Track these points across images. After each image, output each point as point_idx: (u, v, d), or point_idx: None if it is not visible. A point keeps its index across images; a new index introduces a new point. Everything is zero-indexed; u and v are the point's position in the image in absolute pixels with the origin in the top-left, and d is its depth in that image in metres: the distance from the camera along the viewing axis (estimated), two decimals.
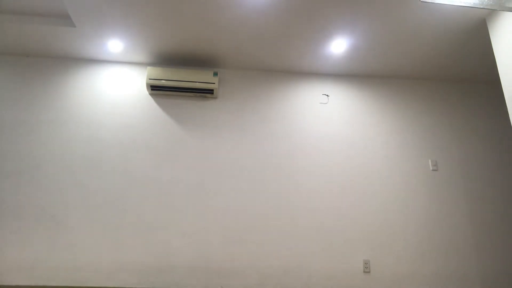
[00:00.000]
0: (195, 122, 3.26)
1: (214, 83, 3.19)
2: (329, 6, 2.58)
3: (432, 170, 3.30)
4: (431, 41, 2.96)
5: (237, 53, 3.22)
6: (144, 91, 3.31)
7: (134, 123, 3.20)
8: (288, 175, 3.17)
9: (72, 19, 2.77)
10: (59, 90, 3.24)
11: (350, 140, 3.34)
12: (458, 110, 3.55)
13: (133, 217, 2.92)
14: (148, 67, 3.17)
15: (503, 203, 3.24)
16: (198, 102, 3.34)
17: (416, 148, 3.36)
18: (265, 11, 2.64)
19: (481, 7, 2.03)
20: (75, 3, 2.59)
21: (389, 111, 3.49)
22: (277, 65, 3.41)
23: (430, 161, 3.32)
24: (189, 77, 3.19)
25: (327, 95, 3.50)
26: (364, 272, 2.94)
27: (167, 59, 3.34)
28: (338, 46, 3.06)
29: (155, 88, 3.21)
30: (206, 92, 3.26)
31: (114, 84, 3.31)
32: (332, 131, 3.35)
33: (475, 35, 2.88)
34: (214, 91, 3.25)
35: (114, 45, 3.11)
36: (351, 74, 3.57)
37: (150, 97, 3.30)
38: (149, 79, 3.14)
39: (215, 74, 3.22)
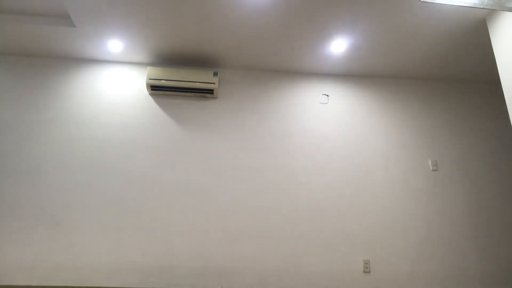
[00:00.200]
0: (195, 122, 3.26)
1: (214, 83, 3.19)
2: (329, 6, 2.58)
3: (432, 170, 3.30)
4: (431, 41, 2.96)
5: (237, 53, 3.22)
6: (144, 91, 3.31)
7: (134, 123, 3.20)
8: (288, 175, 3.17)
9: (72, 19, 2.77)
10: (59, 90, 3.24)
11: (350, 140, 3.34)
12: (458, 110, 3.55)
13: (133, 217, 2.92)
14: (148, 67, 3.17)
15: (503, 203, 3.24)
16: (198, 102, 3.34)
17: (416, 148, 3.37)
18: (265, 11, 2.64)
19: (481, 7, 2.03)
20: (75, 3, 2.59)
21: (389, 111, 3.49)
22: (277, 65, 3.41)
23: (430, 161, 3.32)
24: (189, 77, 3.19)
25: (327, 95, 3.50)
26: (364, 272, 2.94)
27: (167, 59, 3.34)
28: (338, 46, 3.06)
29: (155, 88, 3.21)
30: (206, 92, 3.26)
31: (114, 84, 3.31)
32: (332, 131, 3.35)
33: (475, 35, 2.88)
34: (214, 91, 3.25)
35: (114, 45, 3.11)
36: (351, 74, 3.57)
37: (150, 97, 3.30)
38: (149, 79, 3.14)
39: (215, 74, 3.22)
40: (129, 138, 3.14)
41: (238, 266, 2.87)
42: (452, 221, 3.15)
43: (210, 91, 3.25)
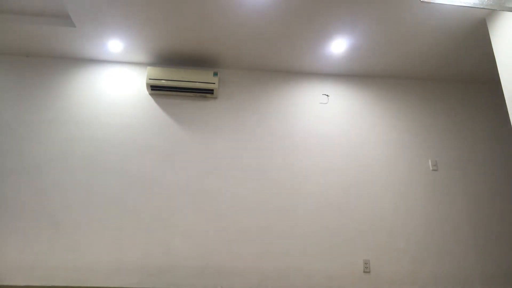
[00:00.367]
0: (195, 122, 3.26)
1: (214, 83, 3.19)
2: (329, 6, 2.58)
3: (432, 170, 3.30)
4: (431, 41, 2.96)
5: (237, 53, 3.22)
6: (144, 91, 3.31)
7: (134, 123, 3.20)
8: (288, 175, 3.17)
9: (72, 19, 2.77)
10: (59, 90, 3.24)
11: (350, 140, 3.34)
12: (458, 110, 3.55)
13: (133, 217, 2.92)
14: (148, 67, 3.17)
15: (503, 203, 3.24)
16: (198, 102, 3.34)
17: (416, 148, 3.37)
18: (265, 11, 2.64)
19: (481, 7, 2.03)
20: (75, 3, 2.59)
21: (389, 111, 3.49)
22: (277, 65, 3.41)
23: (430, 161, 3.32)
24: (189, 77, 3.19)
25: (327, 95, 3.50)
26: (364, 272, 2.94)
27: (167, 59, 3.34)
28: (338, 46, 3.06)
29: (155, 88, 3.21)
30: (206, 92, 3.26)
31: (114, 84, 3.31)
32: (332, 131, 3.35)
33: (475, 35, 2.88)
34: (214, 91, 3.25)
35: (114, 45, 3.11)
36: (351, 74, 3.57)
37: (150, 97, 3.30)
38: (149, 79, 3.14)
39: (215, 74, 3.22)
40: (129, 138, 3.14)
41: (238, 266, 2.87)
42: (452, 221, 3.15)
43: (210, 91, 3.25)
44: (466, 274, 2.99)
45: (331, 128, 3.37)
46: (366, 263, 2.96)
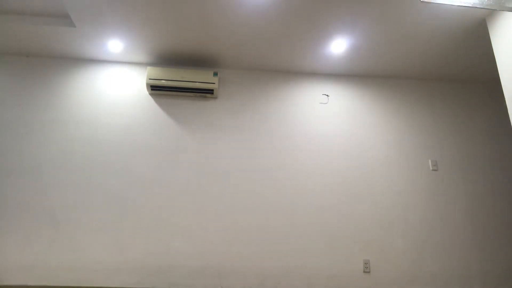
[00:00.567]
0: (195, 122, 3.26)
1: (214, 83, 3.19)
2: (329, 7, 2.58)
3: (432, 170, 3.30)
4: (431, 41, 2.96)
5: (237, 53, 3.22)
6: (144, 91, 3.31)
7: (134, 123, 3.20)
8: (288, 175, 3.17)
9: (72, 19, 2.77)
10: (59, 90, 3.24)
11: (350, 140, 3.34)
12: (458, 110, 3.55)
13: (133, 217, 2.92)
14: (148, 67, 3.17)
15: (503, 202, 3.24)
16: (198, 102, 3.34)
17: (416, 148, 3.37)
18: (265, 11, 2.64)
19: (481, 7, 2.03)
20: (75, 3, 2.59)
21: (389, 111, 3.49)
22: (277, 65, 3.42)
23: (430, 161, 3.32)
24: (189, 77, 3.19)
25: (327, 95, 3.50)
26: (364, 272, 2.94)
27: (167, 59, 3.34)
28: (338, 46, 3.06)
29: (155, 88, 3.21)
30: (206, 92, 3.26)
31: (114, 84, 3.31)
32: (332, 131, 3.35)
33: (475, 35, 2.88)
34: (214, 91, 3.25)
35: (114, 45, 3.11)
36: (351, 74, 3.57)
37: (150, 97, 3.30)
38: (149, 79, 3.14)
39: (215, 74, 3.22)
40: (129, 138, 3.14)
41: (238, 266, 2.87)
42: (452, 221, 3.15)
43: (210, 91, 3.25)
44: (466, 274, 2.99)
45: (331, 128, 3.37)
46: (366, 263, 2.96)
